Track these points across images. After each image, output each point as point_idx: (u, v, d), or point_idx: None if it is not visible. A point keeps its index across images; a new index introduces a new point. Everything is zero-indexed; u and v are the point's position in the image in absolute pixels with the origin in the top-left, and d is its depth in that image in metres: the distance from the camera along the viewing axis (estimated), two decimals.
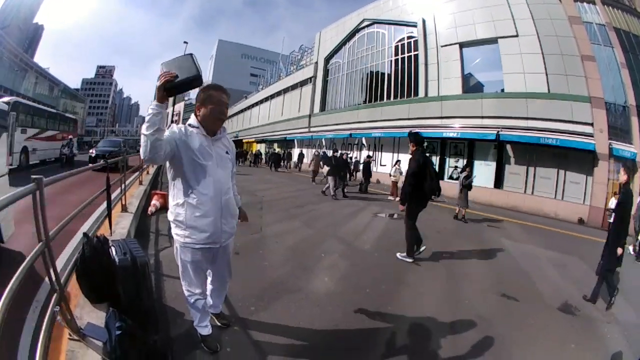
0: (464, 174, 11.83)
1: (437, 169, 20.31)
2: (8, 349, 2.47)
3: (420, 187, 6.19)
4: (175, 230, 2.76)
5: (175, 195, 2.71)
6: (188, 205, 2.65)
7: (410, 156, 6.41)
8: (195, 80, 2.45)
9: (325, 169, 14.92)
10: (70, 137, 26.09)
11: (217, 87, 2.74)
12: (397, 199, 14.11)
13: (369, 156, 19.65)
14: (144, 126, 2.33)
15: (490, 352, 3.54)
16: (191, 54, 2.56)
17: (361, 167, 19.75)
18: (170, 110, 13.69)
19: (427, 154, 7.51)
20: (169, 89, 2.38)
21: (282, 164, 34.42)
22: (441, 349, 3.50)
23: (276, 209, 10.47)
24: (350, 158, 19.15)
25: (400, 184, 14.97)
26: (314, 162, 20.94)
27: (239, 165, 31.04)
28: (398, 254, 6.58)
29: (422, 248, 6.61)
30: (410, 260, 6.39)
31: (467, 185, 11.58)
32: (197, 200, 2.64)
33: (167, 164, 2.68)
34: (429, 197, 6.43)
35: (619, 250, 5.10)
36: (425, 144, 6.95)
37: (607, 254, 5.21)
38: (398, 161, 17.34)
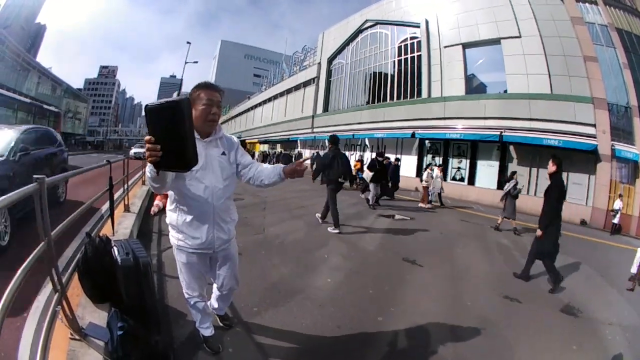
0: (512, 182, 10.92)
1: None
2: (9, 348, 2.46)
3: (329, 174, 8.55)
4: (170, 232, 2.75)
5: (170, 199, 2.66)
6: (179, 211, 2.62)
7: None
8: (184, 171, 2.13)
9: (368, 173, 13.11)
10: None
11: (207, 85, 2.56)
12: (428, 205, 14.27)
13: (397, 159, 17.69)
14: (147, 177, 2.25)
15: (493, 353, 3.55)
16: (175, 108, 1.85)
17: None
18: None
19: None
20: (158, 170, 2.02)
21: None
22: (444, 351, 3.48)
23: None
24: (390, 162, 16.27)
25: (431, 189, 14.80)
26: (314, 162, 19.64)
27: None
28: (329, 229, 8.27)
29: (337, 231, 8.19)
30: (337, 231, 8.13)
31: (515, 195, 10.74)
32: (187, 206, 2.59)
33: None
34: (338, 181, 8.66)
35: (538, 232, 5.89)
36: (338, 143, 9.08)
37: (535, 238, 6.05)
38: (429, 165, 16.37)
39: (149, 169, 2.08)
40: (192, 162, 1.94)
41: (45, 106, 22.36)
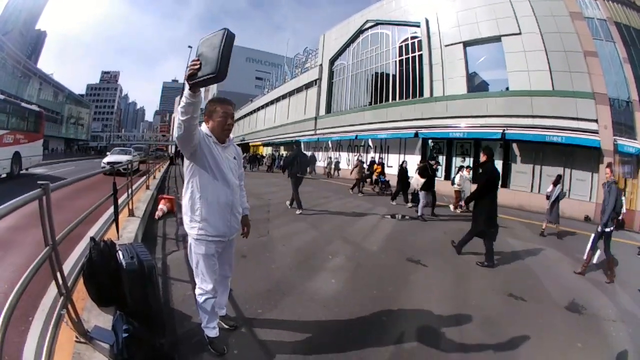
0: (558, 187, 10.51)
1: (443, 169, 20.92)
2: (14, 351, 2.49)
3: (291, 170, 10.92)
4: (190, 225, 2.92)
5: (193, 190, 2.88)
6: (203, 202, 2.87)
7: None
8: (213, 79, 2.28)
9: (418, 180, 11.65)
10: (23, 139, 17.10)
11: (222, 101, 2.94)
12: (459, 210, 13.37)
13: (429, 162, 15.02)
14: (179, 112, 2.46)
15: (498, 352, 3.54)
16: (224, 33, 2.27)
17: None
18: (175, 114, 13.87)
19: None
20: (193, 83, 2.32)
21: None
22: (449, 350, 3.50)
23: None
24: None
25: (468, 191, 13.41)
26: (357, 169, 18.05)
27: (252, 172, 30.09)
28: (296, 212, 10.44)
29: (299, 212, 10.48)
30: (300, 212, 10.44)
31: (560, 199, 10.40)
32: (212, 196, 2.87)
33: (186, 161, 2.88)
34: (297, 175, 10.85)
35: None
36: (302, 145, 11.78)
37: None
38: (462, 167, 15.00)
39: (185, 93, 2.39)
40: (223, 72, 2.24)
41: (23, 104, 18.43)
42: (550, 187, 10.66)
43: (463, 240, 7.19)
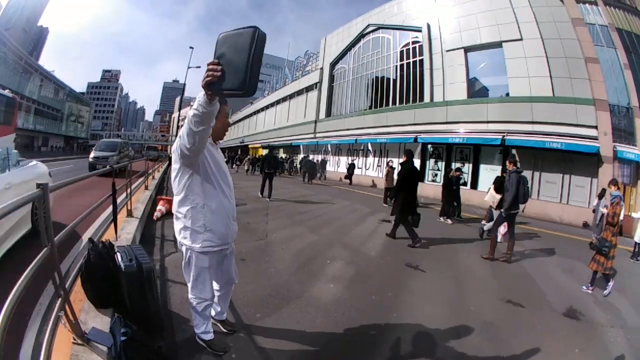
0: (603, 200, 9.81)
1: (442, 174, 20.43)
2: (12, 353, 2.47)
3: (261, 168, 15.22)
4: (191, 238, 2.71)
5: (192, 199, 2.65)
6: (208, 209, 2.67)
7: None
8: (238, 95, 1.91)
9: (494, 196, 9.42)
10: None
11: (224, 100, 2.62)
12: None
13: (459, 169, 13.49)
14: (192, 121, 2.16)
15: (496, 358, 3.53)
16: (255, 32, 1.82)
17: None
18: (175, 115, 13.85)
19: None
20: (212, 93, 2.00)
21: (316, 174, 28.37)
22: (447, 356, 3.49)
23: None
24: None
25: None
26: (388, 175, 15.50)
27: (255, 175, 27.75)
28: (265, 199, 13.45)
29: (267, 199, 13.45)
30: (268, 199, 13.39)
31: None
32: (217, 204, 2.70)
33: (177, 165, 2.61)
34: (266, 172, 14.08)
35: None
36: (272, 151, 15.97)
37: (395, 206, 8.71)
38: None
39: (200, 100, 2.06)
40: (253, 88, 1.86)
41: None
42: (596, 201, 10.58)
43: (393, 229, 8.69)
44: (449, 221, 11.91)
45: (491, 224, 8.79)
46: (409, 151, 9.00)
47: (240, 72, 1.82)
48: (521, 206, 7.74)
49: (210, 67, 1.87)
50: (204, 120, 2.15)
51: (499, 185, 9.30)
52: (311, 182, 25.18)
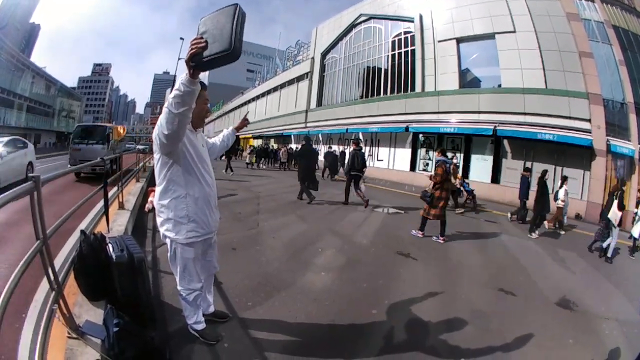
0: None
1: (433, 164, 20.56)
2: (8, 348, 2.48)
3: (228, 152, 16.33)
4: (174, 229, 2.69)
5: (174, 190, 2.62)
6: (190, 198, 2.64)
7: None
8: (226, 57, 1.90)
9: (615, 213, 8.11)
10: None
11: (204, 85, 2.57)
12: (552, 226, 10.98)
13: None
14: (173, 103, 2.13)
15: (487, 347, 3.56)
16: (236, 8, 1.91)
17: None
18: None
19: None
20: (197, 65, 2.00)
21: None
22: (437, 344, 3.53)
23: None
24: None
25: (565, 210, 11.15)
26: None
27: (261, 169, 26.90)
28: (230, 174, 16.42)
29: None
30: (232, 173, 17.29)
31: None
32: (199, 192, 2.67)
33: (157, 155, 2.58)
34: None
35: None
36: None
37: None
38: (565, 178, 11.52)
39: (183, 79, 2.04)
40: (238, 49, 1.90)
41: None
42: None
43: (300, 193, 11.51)
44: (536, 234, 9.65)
45: (609, 243, 7.93)
46: (307, 137, 13.76)
47: (225, 38, 1.88)
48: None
49: (194, 41, 1.92)
50: (185, 101, 2.12)
51: (621, 198, 8.15)
52: (333, 178, 21.53)
